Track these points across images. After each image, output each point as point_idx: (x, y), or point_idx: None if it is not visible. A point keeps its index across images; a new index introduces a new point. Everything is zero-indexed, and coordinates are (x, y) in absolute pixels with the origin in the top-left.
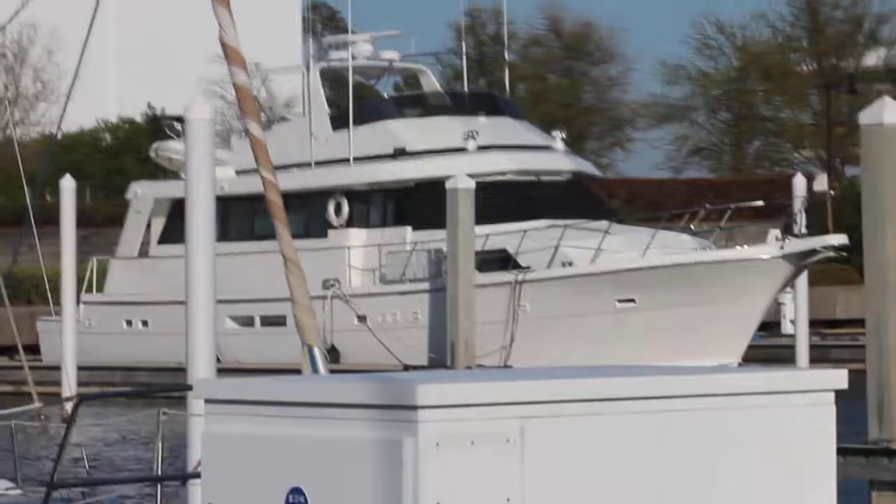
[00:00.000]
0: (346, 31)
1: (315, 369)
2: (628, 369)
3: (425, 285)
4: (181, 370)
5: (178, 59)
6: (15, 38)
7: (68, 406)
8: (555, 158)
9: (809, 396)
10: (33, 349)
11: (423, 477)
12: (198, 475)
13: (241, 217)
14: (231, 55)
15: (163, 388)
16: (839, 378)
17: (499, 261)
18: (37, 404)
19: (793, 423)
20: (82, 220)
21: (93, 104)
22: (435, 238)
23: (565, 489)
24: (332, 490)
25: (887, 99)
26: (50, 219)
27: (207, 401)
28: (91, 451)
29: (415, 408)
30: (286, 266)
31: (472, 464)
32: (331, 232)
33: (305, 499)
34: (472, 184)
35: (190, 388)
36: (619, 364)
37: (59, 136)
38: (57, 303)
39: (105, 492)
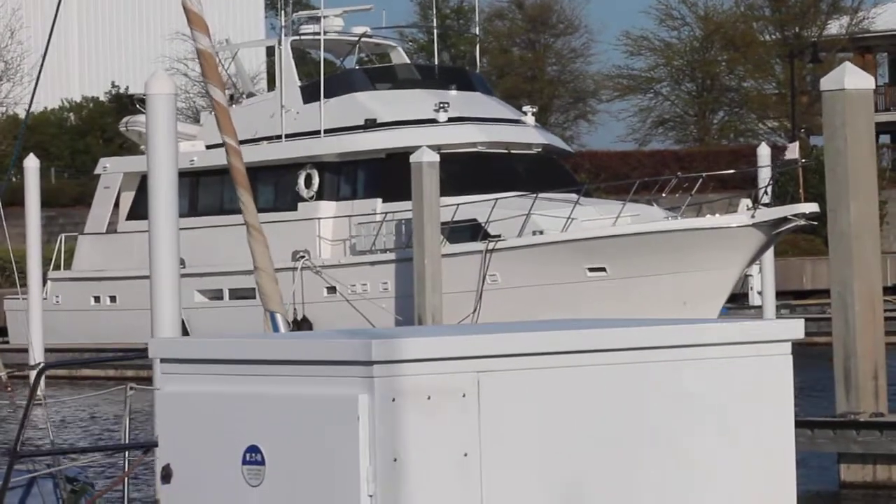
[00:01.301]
0: (311, 8)
1: None
2: (583, 322)
3: (395, 255)
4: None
5: (141, 37)
6: None
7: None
8: (525, 132)
9: (766, 347)
10: (3, 332)
11: (379, 433)
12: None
13: (210, 191)
14: (193, 20)
15: (122, 355)
16: (796, 328)
17: (469, 230)
18: (2, 373)
19: (749, 372)
20: (48, 201)
21: (57, 84)
22: (405, 209)
23: (522, 443)
24: (289, 447)
25: (848, 65)
26: (15, 199)
27: (163, 360)
28: (59, 427)
29: (370, 363)
30: (249, 233)
31: (429, 419)
32: (301, 204)
33: (262, 456)
34: (436, 157)
35: (145, 355)
36: (574, 318)
37: (23, 117)
38: (24, 284)
39: (70, 461)
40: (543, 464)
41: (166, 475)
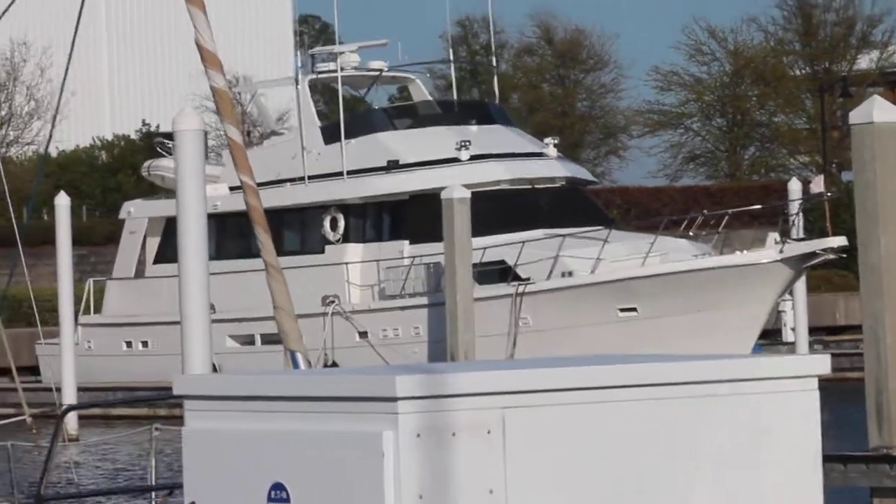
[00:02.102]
0: (336, 43)
1: None
2: (609, 358)
3: (425, 300)
4: None
5: (171, 75)
6: (7, 56)
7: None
8: (548, 165)
9: (792, 382)
10: (34, 370)
11: (404, 469)
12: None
13: (236, 234)
14: (207, 58)
15: (146, 396)
16: (822, 363)
17: (498, 272)
18: (27, 416)
19: (777, 408)
20: (80, 239)
21: (88, 122)
22: (432, 251)
23: (548, 479)
24: (314, 484)
25: (877, 98)
26: (47, 238)
27: (187, 397)
28: (88, 467)
29: (394, 399)
30: (267, 271)
31: (454, 455)
32: (328, 247)
33: (287, 494)
34: (467, 193)
35: (171, 395)
36: (600, 354)
37: (55, 155)
38: (55, 323)
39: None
40: (569, 500)
41: None
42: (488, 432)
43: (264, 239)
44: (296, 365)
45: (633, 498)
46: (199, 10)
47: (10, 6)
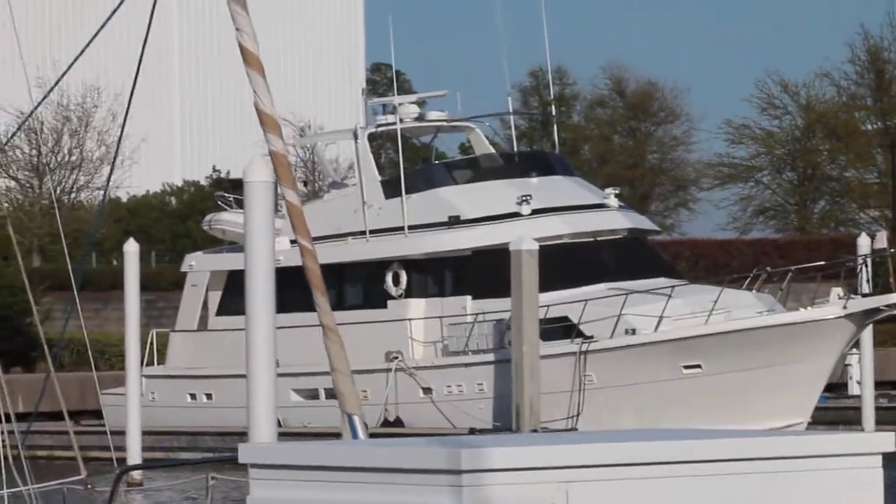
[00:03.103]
0: (409, 91)
1: (355, 437)
2: (672, 433)
3: (489, 357)
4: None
5: (242, 122)
6: (79, 102)
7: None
8: (610, 217)
9: (856, 459)
10: (98, 414)
11: None
12: None
13: (298, 288)
14: (266, 122)
15: (204, 458)
16: (886, 441)
17: (562, 330)
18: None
19: (839, 486)
20: (148, 284)
21: (159, 168)
22: (495, 307)
23: None
24: None
25: None
26: (116, 283)
27: (252, 465)
28: None
29: (459, 472)
30: (325, 335)
31: None
32: (390, 303)
33: None
34: (535, 246)
35: (234, 457)
36: (664, 429)
37: (125, 200)
38: (121, 368)
39: None
40: None
41: None
42: None
43: (321, 302)
44: (353, 428)
45: None
46: (258, 74)
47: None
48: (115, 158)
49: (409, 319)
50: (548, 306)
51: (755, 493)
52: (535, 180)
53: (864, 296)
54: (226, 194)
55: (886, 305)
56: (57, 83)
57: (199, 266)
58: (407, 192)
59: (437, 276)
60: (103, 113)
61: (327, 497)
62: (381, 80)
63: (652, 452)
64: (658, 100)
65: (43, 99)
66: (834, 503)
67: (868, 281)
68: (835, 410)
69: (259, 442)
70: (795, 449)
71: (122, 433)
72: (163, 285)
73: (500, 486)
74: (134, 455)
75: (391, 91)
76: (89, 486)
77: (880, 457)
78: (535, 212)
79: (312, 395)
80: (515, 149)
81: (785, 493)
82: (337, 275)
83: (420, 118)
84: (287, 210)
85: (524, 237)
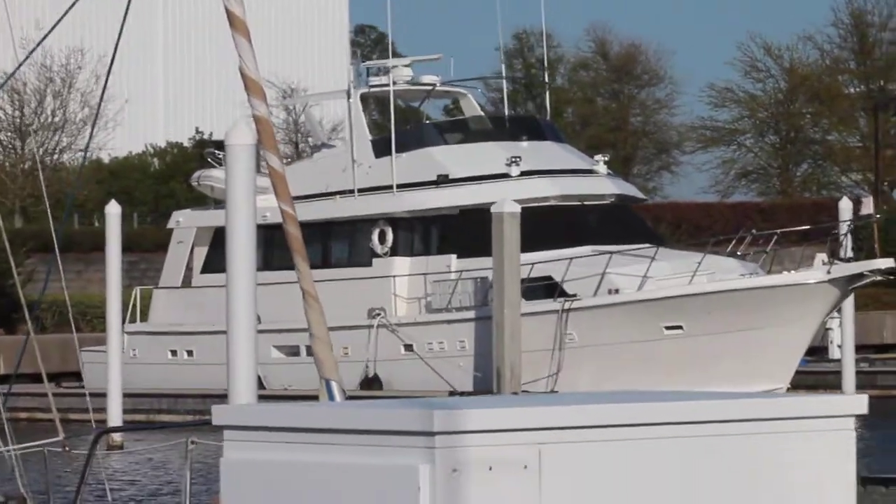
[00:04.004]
0: (393, 55)
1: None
2: (646, 395)
3: (471, 314)
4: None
5: (225, 84)
6: (63, 64)
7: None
8: (598, 182)
9: (828, 422)
10: (80, 376)
11: (440, 503)
12: None
13: (283, 246)
14: (251, 86)
15: (183, 423)
16: (857, 403)
17: (545, 288)
18: (61, 437)
19: (811, 448)
20: (130, 245)
21: (142, 129)
22: (480, 266)
23: None
24: None
25: None
26: (98, 244)
27: (226, 427)
28: (122, 480)
29: (431, 434)
30: (305, 300)
31: (490, 490)
32: (375, 260)
33: None
34: (517, 208)
35: (208, 422)
36: (638, 391)
37: (107, 161)
38: (104, 329)
39: None
40: None
41: None
42: (525, 467)
43: (303, 267)
44: (330, 393)
45: None
46: (243, 38)
47: (66, 13)
48: (95, 119)
49: (394, 276)
50: (532, 264)
51: (728, 454)
52: (524, 144)
53: (848, 261)
54: (216, 151)
55: (870, 271)
56: (40, 43)
57: (186, 222)
58: (397, 152)
59: (424, 234)
60: (87, 74)
61: (301, 459)
62: (365, 42)
63: (625, 414)
64: (641, 62)
65: (25, 58)
66: (807, 465)
67: (850, 247)
68: (815, 374)
69: (232, 404)
70: (769, 411)
71: (102, 395)
72: (145, 246)
73: (473, 447)
74: (114, 417)
75: (374, 53)
76: (67, 449)
77: (853, 419)
78: (524, 174)
79: (294, 351)
80: (506, 113)
81: (758, 455)
82: (323, 232)
83: (413, 81)
84: (270, 174)
85: (506, 200)
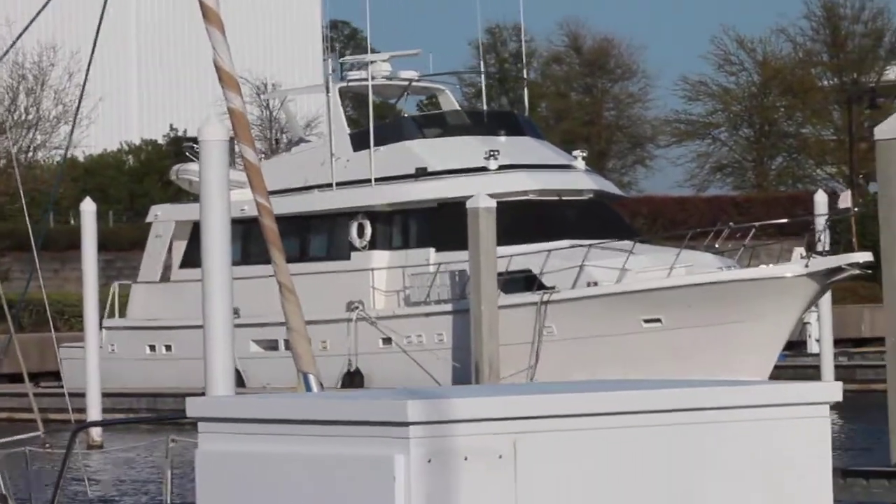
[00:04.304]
0: (366, 50)
1: None
2: (619, 384)
3: (450, 307)
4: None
5: (199, 81)
6: (35, 61)
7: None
8: (576, 178)
9: (803, 409)
10: (57, 375)
11: (415, 494)
12: None
13: (262, 240)
14: (225, 79)
15: (160, 416)
16: (832, 391)
17: (523, 281)
18: (41, 433)
19: (786, 436)
20: (106, 244)
21: (116, 127)
22: (458, 259)
23: None
24: None
25: None
26: (73, 242)
27: (200, 419)
28: (105, 475)
29: (406, 424)
30: (281, 293)
31: (465, 480)
32: (354, 254)
33: None
34: (493, 203)
35: (183, 416)
36: (614, 380)
37: (82, 159)
38: (82, 328)
39: None
40: None
41: None
42: (500, 457)
43: (279, 259)
44: (308, 387)
45: None
46: (217, 31)
47: (39, 13)
48: (75, 119)
49: (372, 269)
50: (510, 256)
51: (702, 442)
52: (502, 138)
53: (826, 254)
54: (194, 145)
55: (848, 264)
56: (13, 44)
57: (164, 216)
58: (375, 145)
59: (402, 227)
60: (59, 71)
61: (276, 450)
62: (338, 38)
63: (600, 403)
64: (615, 56)
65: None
66: (781, 453)
67: (827, 241)
68: (794, 368)
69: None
70: (743, 398)
71: (81, 395)
72: (121, 244)
73: (447, 437)
74: (93, 413)
75: (348, 49)
76: (47, 446)
77: (828, 406)
78: (502, 168)
79: (272, 346)
80: (484, 108)
81: (732, 442)
82: (302, 226)
83: (391, 76)
84: (245, 167)
85: (481, 195)
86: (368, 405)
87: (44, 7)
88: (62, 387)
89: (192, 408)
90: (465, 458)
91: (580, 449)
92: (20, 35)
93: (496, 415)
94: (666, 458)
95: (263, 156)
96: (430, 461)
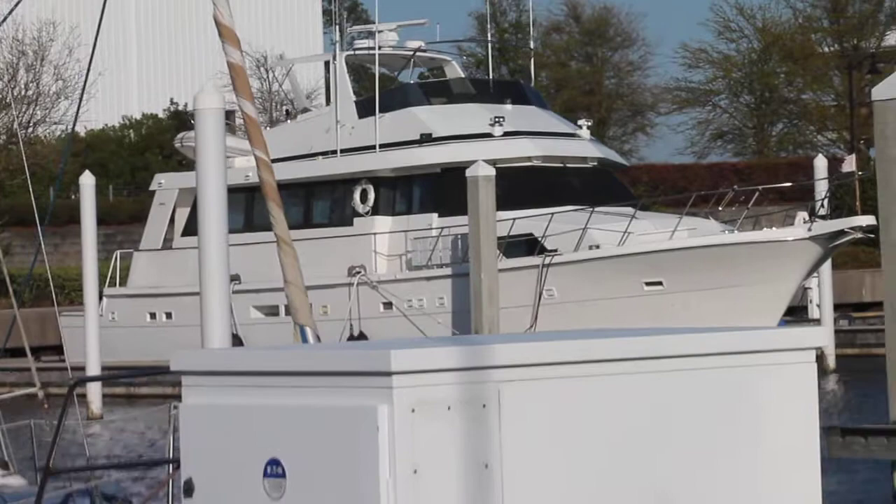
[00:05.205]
0: (367, 22)
1: None
2: (604, 332)
3: (451, 270)
4: None
5: (199, 54)
6: (35, 36)
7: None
8: (581, 145)
9: (789, 354)
10: (59, 349)
11: (399, 444)
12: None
13: (265, 207)
14: (225, 33)
15: (150, 370)
16: (818, 335)
17: (525, 244)
18: (37, 390)
19: (773, 381)
20: (106, 218)
21: (116, 101)
22: (461, 224)
23: (544, 454)
24: (310, 459)
25: None
26: (73, 217)
27: (183, 373)
28: (110, 444)
29: (388, 374)
30: (279, 246)
31: (449, 430)
32: (357, 220)
33: (283, 469)
34: (492, 171)
35: (168, 370)
36: (599, 329)
37: (83, 134)
38: (77, 301)
39: (102, 477)
40: (565, 475)
41: (188, 489)
42: (483, 406)
43: (276, 213)
44: (304, 339)
45: (628, 472)
46: None
47: None
48: (81, 96)
49: (374, 234)
50: (513, 220)
51: (686, 389)
52: (508, 107)
53: (827, 218)
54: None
55: (851, 228)
56: (8, 15)
57: (168, 184)
58: (381, 112)
59: (405, 193)
60: (59, 47)
61: (259, 402)
62: (340, 11)
63: (585, 351)
64: (614, 25)
65: None
66: (767, 399)
67: (825, 205)
68: None
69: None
70: (727, 345)
71: (82, 368)
72: (121, 218)
73: (431, 387)
74: (93, 372)
75: (349, 21)
76: (45, 407)
77: (814, 352)
78: (507, 134)
79: (272, 311)
80: (490, 77)
81: (716, 389)
82: (305, 192)
83: (397, 46)
84: (244, 121)
85: (480, 163)
86: (351, 355)
87: None
88: (63, 361)
89: (176, 361)
90: (449, 408)
91: (564, 397)
92: (15, 6)
93: (479, 363)
94: (647, 405)
95: (265, 127)
96: (413, 411)
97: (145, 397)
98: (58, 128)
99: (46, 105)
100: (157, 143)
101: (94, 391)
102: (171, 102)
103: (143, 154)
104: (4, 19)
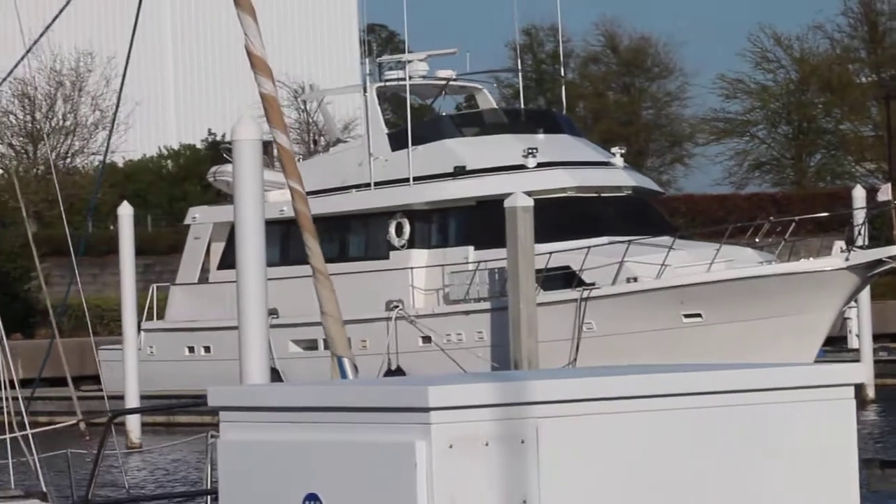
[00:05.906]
0: (403, 52)
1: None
2: (643, 368)
3: (489, 304)
4: None
5: (237, 84)
6: (72, 67)
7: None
8: (615, 174)
9: (827, 391)
10: (96, 379)
11: (437, 479)
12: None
13: (301, 240)
14: (257, 64)
15: (184, 403)
16: (856, 372)
17: (563, 278)
18: (78, 421)
19: (811, 417)
20: (145, 248)
21: (154, 132)
22: (497, 257)
23: (582, 490)
24: (348, 494)
25: None
26: (113, 247)
27: (222, 408)
28: (146, 474)
29: (427, 409)
30: (315, 277)
31: (487, 466)
32: (392, 253)
33: None
34: (530, 202)
35: (205, 403)
36: (639, 365)
37: (121, 164)
38: (119, 332)
39: None
40: None
41: None
42: (522, 442)
43: (312, 245)
44: (342, 370)
45: None
46: (249, 17)
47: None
48: (112, 124)
49: (411, 268)
50: (549, 254)
51: (725, 426)
52: (541, 136)
53: (865, 248)
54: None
55: (889, 257)
56: (40, 37)
57: (203, 218)
58: (413, 145)
59: (441, 226)
60: (97, 77)
61: (297, 438)
62: (376, 41)
63: (623, 387)
64: (651, 55)
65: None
66: (807, 435)
67: (862, 235)
68: (834, 364)
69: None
70: (767, 381)
71: (120, 398)
72: (160, 249)
73: (469, 423)
74: (131, 405)
75: (385, 52)
76: (86, 438)
77: (852, 388)
78: (541, 165)
79: (311, 345)
80: (522, 106)
81: (758, 425)
82: (341, 226)
83: (428, 76)
84: (278, 152)
85: (518, 194)
86: (389, 391)
87: (66, 4)
88: (101, 390)
89: (214, 397)
90: (487, 444)
91: (602, 433)
92: (48, 27)
93: (517, 399)
94: (686, 441)
95: (301, 158)
96: (451, 447)
97: (184, 426)
98: (95, 158)
99: (84, 136)
100: (196, 173)
101: (133, 422)
102: (209, 133)
103: (181, 184)
104: (37, 40)
